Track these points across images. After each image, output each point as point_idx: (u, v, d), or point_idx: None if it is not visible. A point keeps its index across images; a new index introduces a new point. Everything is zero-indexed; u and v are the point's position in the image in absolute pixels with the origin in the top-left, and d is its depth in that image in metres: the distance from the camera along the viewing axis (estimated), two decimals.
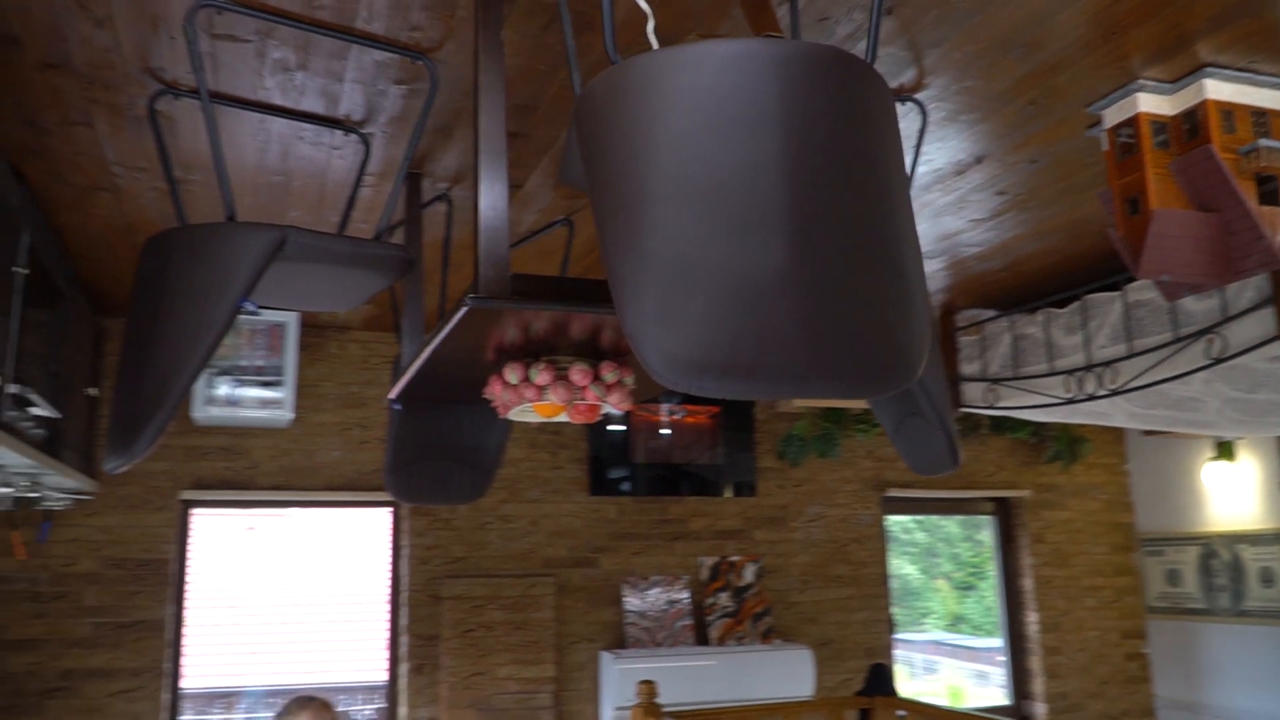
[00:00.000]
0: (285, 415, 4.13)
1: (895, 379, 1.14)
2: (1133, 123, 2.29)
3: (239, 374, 4.03)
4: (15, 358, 2.53)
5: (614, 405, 2.13)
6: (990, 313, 4.28)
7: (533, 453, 4.73)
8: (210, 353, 1.68)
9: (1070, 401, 3.69)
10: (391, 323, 4.47)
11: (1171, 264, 2.25)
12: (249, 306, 1.71)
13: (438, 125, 2.37)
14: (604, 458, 4.80)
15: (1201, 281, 2.33)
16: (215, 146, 1.89)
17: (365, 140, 2.41)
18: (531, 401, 2.04)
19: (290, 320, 4.12)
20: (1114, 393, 3.50)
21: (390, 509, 4.64)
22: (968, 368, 4.26)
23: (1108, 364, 3.53)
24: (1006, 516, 5.84)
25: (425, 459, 3.06)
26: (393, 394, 2.58)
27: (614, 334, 1.98)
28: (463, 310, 1.65)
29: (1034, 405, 3.90)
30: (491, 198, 1.69)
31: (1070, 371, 3.69)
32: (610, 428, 4.81)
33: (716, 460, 5.00)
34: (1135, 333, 3.45)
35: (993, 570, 5.96)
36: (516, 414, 2.23)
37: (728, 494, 5.02)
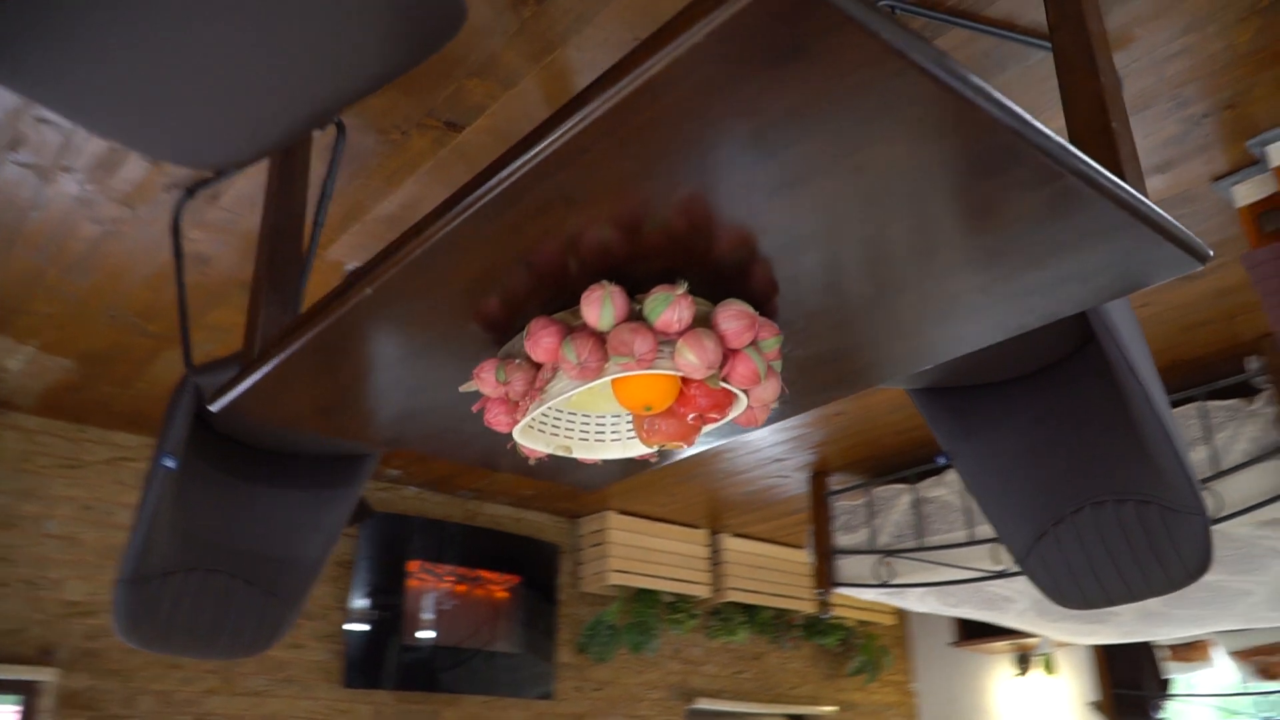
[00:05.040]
0: None
1: None
2: None
3: None
4: None
5: (755, 408, 1.15)
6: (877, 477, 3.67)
7: None
8: None
9: (1001, 575, 3.06)
10: (79, 411, 3.01)
11: None
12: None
13: None
14: (366, 636, 3.47)
15: None
16: None
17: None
18: (640, 367, 1.01)
19: None
20: None
21: (19, 705, 2.96)
22: (847, 538, 3.55)
23: None
24: None
25: (198, 568, 1.79)
26: (219, 403, 1.37)
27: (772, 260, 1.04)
28: None
29: (947, 581, 3.23)
30: None
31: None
32: (366, 612, 3.51)
33: (513, 648, 3.81)
34: None
35: None
36: (537, 423, 1.18)
37: (521, 694, 3.81)
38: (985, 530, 3.15)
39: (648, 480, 3.94)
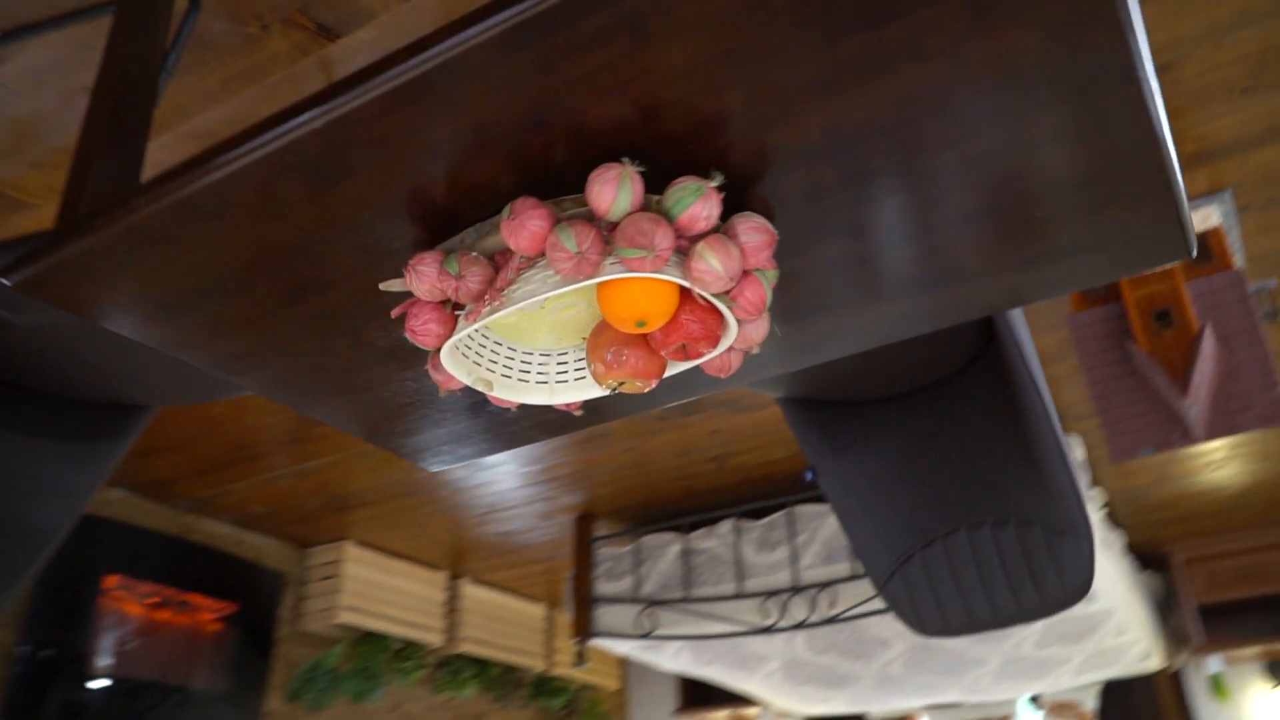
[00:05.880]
0: None
1: None
2: None
3: None
4: None
5: (736, 349, 1.01)
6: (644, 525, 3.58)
7: None
8: None
9: (769, 630, 3.05)
10: None
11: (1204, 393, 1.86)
12: None
13: None
14: (37, 663, 2.86)
15: (1185, 438, 1.96)
16: None
17: None
18: (653, 266, 0.84)
19: None
20: (832, 621, 2.96)
21: None
22: (609, 586, 3.42)
23: (824, 585, 3.00)
24: None
25: None
26: (20, 275, 1.03)
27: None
28: None
29: (712, 635, 3.17)
30: None
31: (771, 594, 3.08)
32: (42, 633, 2.91)
33: (215, 689, 3.30)
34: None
35: None
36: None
37: None
38: (754, 584, 3.14)
39: (395, 510, 3.62)
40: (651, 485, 3.41)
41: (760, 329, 0.98)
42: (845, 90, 0.80)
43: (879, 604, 2.89)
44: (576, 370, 1.08)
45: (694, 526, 3.35)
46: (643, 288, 0.87)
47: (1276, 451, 3.34)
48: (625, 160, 0.84)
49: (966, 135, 0.86)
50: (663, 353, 0.95)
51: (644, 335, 0.96)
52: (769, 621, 3.04)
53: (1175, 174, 0.92)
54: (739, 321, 0.94)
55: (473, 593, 4.25)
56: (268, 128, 0.84)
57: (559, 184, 0.91)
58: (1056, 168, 0.90)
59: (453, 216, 0.95)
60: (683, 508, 3.54)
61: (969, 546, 1.49)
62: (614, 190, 0.83)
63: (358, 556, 3.76)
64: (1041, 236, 1.00)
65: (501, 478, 3.37)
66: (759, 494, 3.39)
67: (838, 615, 2.94)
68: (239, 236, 0.95)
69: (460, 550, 4.03)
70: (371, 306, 1.08)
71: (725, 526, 3.28)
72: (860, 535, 1.61)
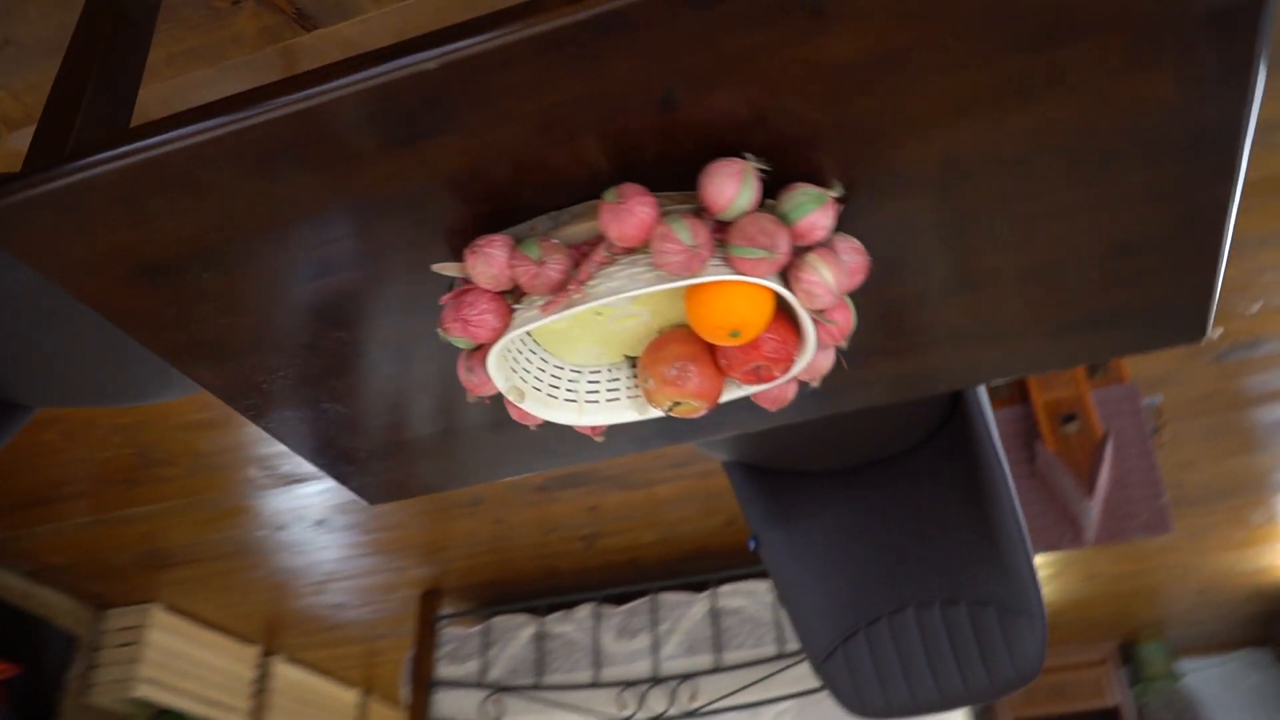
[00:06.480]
0: None
1: None
2: None
3: None
4: None
5: (798, 379, 0.96)
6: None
7: None
8: None
9: None
10: None
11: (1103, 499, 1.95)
12: None
13: None
14: None
15: (1075, 540, 2.05)
16: None
17: None
18: (767, 269, 0.79)
19: None
20: (692, 714, 2.87)
21: None
22: (453, 669, 3.20)
23: (685, 677, 2.91)
24: None
25: None
26: None
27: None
28: None
29: None
30: None
31: (630, 684, 2.96)
32: None
33: None
34: (726, 644, 2.95)
35: None
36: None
37: None
38: (612, 673, 3.01)
39: (217, 571, 3.29)
40: (510, 562, 3.26)
41: (828, 359, 0.94)
42: (980, 114, 0.79)
43: (740, 699, 2.84)
44: (609, 390, 1.00)
45: (551, 609, 3.21)
46: (746, 294, 0.82)
47: (1099, 572, 3.57)
48: (748, 156, 0.79)
49: (1071, 183, 0.86)
50: (736, 373, 0.89)
51: (710, 353, 0.90)
52: (626, 713, 2.92)
53: (1226, 247, 0.95)
54: (819, 346, 0.90)
55: (285, 672, 3.89)
56: (363, 65, 0.75)
57: (650, 178, 0.84)
58: (1129, 229, 0.92)
59: (520, 200, 0.87)
60: (541, 588, 3.39)
61: (916, 625, 1.47)
62: (736, 186, 0.78)
63: (165, 623, 3.36)
64: (1088, 301, 1.01)
65: (345, 543, 3.13)
66: (623, 579, 3.29)
67: (698, 709, 2.85)
68: (278, 192, 0.83)
69: (279, 623, 3.69)
70: (387, 295, 0.96)
71: (584, 611, 3.15)
72: (801, 609, 1.56)
